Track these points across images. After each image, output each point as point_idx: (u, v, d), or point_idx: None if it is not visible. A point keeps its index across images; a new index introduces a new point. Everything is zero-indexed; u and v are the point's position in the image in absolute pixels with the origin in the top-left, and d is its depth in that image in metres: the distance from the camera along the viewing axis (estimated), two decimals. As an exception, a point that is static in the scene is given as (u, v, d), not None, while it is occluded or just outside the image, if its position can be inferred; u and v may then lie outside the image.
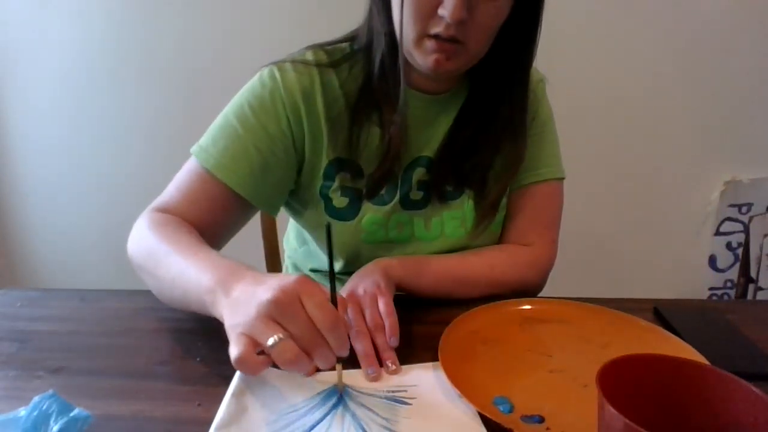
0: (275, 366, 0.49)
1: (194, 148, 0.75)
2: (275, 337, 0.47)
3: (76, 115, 1.79)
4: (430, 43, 0.67)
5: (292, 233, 0.95)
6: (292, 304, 0.48)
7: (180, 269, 0.60)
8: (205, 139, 0.75)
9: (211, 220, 0.73)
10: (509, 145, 0.79)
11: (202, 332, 0.66)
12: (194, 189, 0.74)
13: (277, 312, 0.48)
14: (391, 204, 0.79)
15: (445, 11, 0.64)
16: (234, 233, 0.78)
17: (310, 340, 0.48)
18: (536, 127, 0.83)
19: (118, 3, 1.68)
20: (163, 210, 0.73)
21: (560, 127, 0.88)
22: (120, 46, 1.72)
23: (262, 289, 0.49)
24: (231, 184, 0.72)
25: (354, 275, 0.73)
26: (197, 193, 0.73)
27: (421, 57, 0.69)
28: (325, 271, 0.86)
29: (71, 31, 1.71)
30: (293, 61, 0.75)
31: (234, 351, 0.48)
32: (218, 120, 0.76)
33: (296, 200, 0.82)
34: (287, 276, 0.51)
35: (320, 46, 0.79)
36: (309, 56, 0.77)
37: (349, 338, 0.60)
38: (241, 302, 0.51)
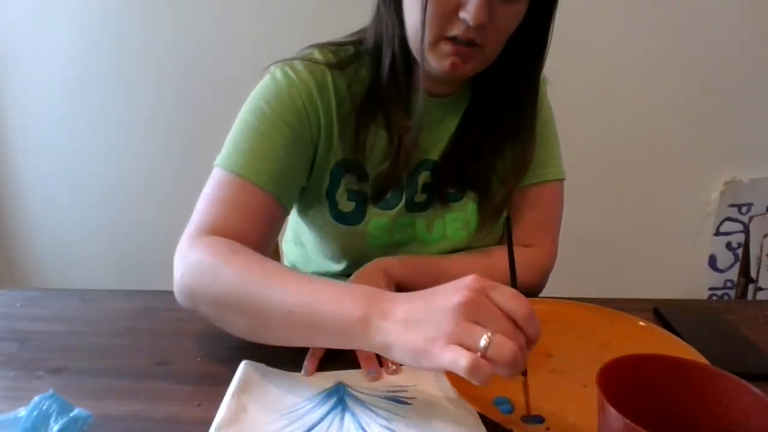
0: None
1: (218, 160, 0.71)
2: (485, 336, 0.43)
3: (76, 115, 1.79)
4: (447, 46, 0.66)
5: (290, 235, 0.95)
6: (484, 302, 0.45)
7: (299, 302, 0.54)
8: (227, 148, 0.71)
9: (257, 228, 0.69)
10: (515, 149, 0.79)
11: (202, 332, 0.66)
12: (233, 199, 0.68)
13: (474, 312, 0.45)
14: (397, 208, 0.79)
15: (467, 14, 0.63)
16: (273, 244, 0.74)
17: (513, 334, 0.45)
18: (537, 128, 0.82)
19: (118, 3, 1.68)
20: (209, 231, 0.65)
21: (560, 127, 0.88)
22: (120, 46, 1.72)
23: (443, 298, 0.47)
24: (263, 184, 0.68)
25: (354, 275, 0.73)
26: (237, 203, 0.68)
27: (436, 60, 0.68)
28: (324, 271, 0.86)
29: (71, 31, 1.71)
30: (302, 59, 0.74)
31: (462, 362, 0.43)
32: (236, 127, 0.73)
33: (303, 198, 0.81)
34: (460, 280, 0.48)
35: (324, 46, 0.78)
36: (317, 55, 0.75)
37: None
38: (420, 320, 0.47)
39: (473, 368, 0.42)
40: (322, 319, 0.52)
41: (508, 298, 0.46)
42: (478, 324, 0.45)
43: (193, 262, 0.62)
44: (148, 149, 1.80)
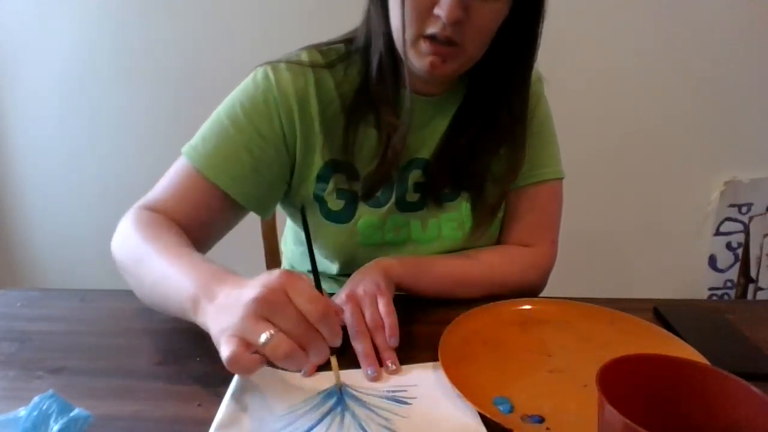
0: (272, 365, 0.48)
1: (185, 148, 0.74)
2: (267, 333, 0.45)
3: (75, 115, 1.79)
4: (425, 45, 0.67)
5: (289, 235, 0.95)
6: (279, 300, 0.47)
7: (162, 273, 0.58)
8: (196, 139, 0.74)
9: (199, 219, 0.72)
10: (508, 150, 0.79)
11: (202, 332, 0.66)
12: (184, 188, 0.72)
13: (266, 309, 0.46)
14: (387, 206, 0.79)
15: (441, 11, 0.63)
16: (223, 234, 0.77)
17: (303, 334, 0.47)
18: (535, 127, 0.83)
19: (117, 3, 1.68)
20: (151, 208, 0.71)
21: (559, 126, 0.88)
22: (120, 46, 1.72)
23: (247, 290, 0.48)
24: (221, 185, 0.71)
25: (353, 275, 0.73)
26: (187, 193, 0.72)
27: (416, 59, 0.68)
28: (323, 272, 0.86)
29: (71, 31, 1.71)
30: (288, 62, 0.75)
31: (225, 352, 0.46)
32: (210, 120, 0.75)
33: (289, 202, 0.82)
34: (270, 273, 0.49)
35: (315, 47, 0.78)
36: (304, 56, 0.76)
37: (349, 337, 0.61)
38: (226, 307, 0.49)
39: (232, 361, 0.45)
40: (169, 291, 0.57)
41: (305, 299, 0.47)
42: (269, 321, 0.46)
43: (120, 228, 0.69)
44: (148, 149, 1.80)
